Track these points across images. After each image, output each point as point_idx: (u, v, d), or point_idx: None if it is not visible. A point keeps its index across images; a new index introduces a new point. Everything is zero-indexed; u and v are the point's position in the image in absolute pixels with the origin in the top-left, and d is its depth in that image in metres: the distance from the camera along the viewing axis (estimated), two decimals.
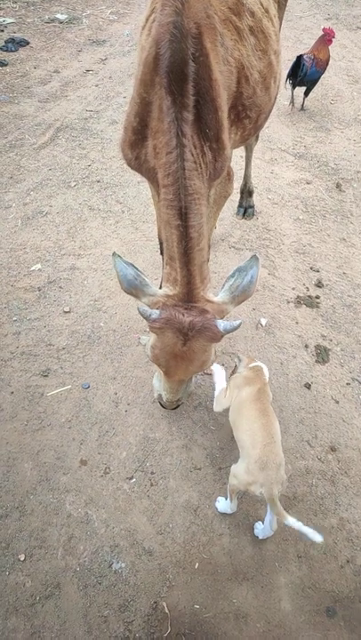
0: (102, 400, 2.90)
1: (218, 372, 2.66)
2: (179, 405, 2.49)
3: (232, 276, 2.10)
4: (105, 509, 2.45)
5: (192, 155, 1.99)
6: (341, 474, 2.62)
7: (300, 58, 5.15)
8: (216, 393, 2.57)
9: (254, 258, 2.07)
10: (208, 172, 2.11)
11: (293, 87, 5.38)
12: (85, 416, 2.82)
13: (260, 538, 2.35)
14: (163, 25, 1.89)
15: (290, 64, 5.21)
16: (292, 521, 2.02)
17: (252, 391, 2.33)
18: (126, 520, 2.42)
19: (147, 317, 2.06)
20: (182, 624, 2.12)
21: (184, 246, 2.02)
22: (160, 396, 2.43)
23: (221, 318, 2.08)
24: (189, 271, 2.05)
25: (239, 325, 2.07)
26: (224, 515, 2.42)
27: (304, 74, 5.16)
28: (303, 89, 5.47)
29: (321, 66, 5.21)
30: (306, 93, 5.49)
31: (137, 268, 2.16)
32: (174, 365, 2.13)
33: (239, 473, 2.15)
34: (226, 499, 2.39)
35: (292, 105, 5.58)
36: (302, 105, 5.60)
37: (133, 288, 2.10)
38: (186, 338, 2.02)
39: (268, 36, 2.55)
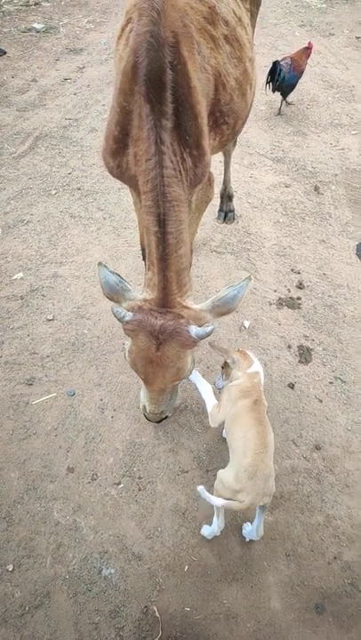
0: (88, 407, 2.90)
1: (204, 388, 2.59)
2: (163, 419, 2.47)
3: (223, 290, 2.13)
4: (93, 516, 2.45)
5: (171, 162, 2.01)
6: (327, 471, 2.66)
7: (276, 63, 5.26)
8: (208, 409, 2.51)
9: (248, 279, 2.10)
10: (188, 179, 2.14)
11: (274, 91, 5.51)
12: (71, 423, 2.82)
13: (247, 540, 2.37)
14: (140, 34, 1.92)
15: (268, 70, 5.31)
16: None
17: (248, 403, 2.31)
18: (115, 526, 2.42)
19: (120, 319, 2.08)
20: (173, 627, 2.12)
21: (161, 252, 2.04)
22: (144, 407, 2.41)
23: (199, 326, 2.09)
24: (166, 277, 2.06)
25: (212, 331, 2.07)
26: (212, 517, 2.43)
27: (282, 79, 5.28)
28: (279, 94, 5.57)
29: (298, 70, 5.37)
30: (284, 97, 5.60)
31: (121, 277, 2.19)
32: (151, 372, 2.13)
33: (227, 479, 2.12)
34: (210, 525, 2.33)
35: (286, 102, 5.72)
36: (280, 109, 5.69)
37: (114, 293, 2.12)
38: (158, 342, 2.03)
39: (242, 44, 2.60)
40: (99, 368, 3.10)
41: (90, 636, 2.09)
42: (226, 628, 2.14)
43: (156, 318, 2.03)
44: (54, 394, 2.95)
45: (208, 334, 2.07)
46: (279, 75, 5.26)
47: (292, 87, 5.49)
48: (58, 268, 3.75)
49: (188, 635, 2.11)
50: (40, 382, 3.01)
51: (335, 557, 2.36)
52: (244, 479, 2.06)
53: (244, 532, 2.39)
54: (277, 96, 5.70)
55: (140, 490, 2.55)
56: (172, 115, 1.97)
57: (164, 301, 2.09)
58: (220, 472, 2.21)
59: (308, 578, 2.29)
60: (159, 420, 2.44)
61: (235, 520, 2.44)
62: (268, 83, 5.38)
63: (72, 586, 2.22)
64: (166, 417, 2.47)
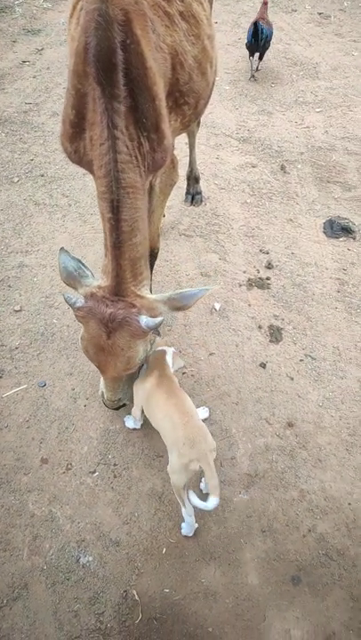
0: (60, 397, 2.87)
1: None
2: (121, 406, 2.49)
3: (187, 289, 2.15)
4: (69, 505, 2.44)
5: (126, 147, 1.96)
6: (300, 448, 2.70)
7: (256, 24, 5.38)
8: None
9: (210, 287, 2.18)
10: (146, 164, 2.08)
11: (261, 56, 5.72)
12: (44, 414, 2.78)
13: (205, 492, 2.40)
14: (88, 12, 1.85)
15: (250, 32, 5.47)
16: (212, 501, 2.05)
17: (153, 379, 2.34)
18: (91, 514, 2.42)
19: (71, 305, 2.07)
20: (153, 609, 2.15)
21: (114, 239, 2.01)
22: (102, 394, 2.42)
23: (153, 317, 2.07)
24: (119, 265, 2.04)
25: (161, 322, 2.07)
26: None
27: (266, 36, 5.46)
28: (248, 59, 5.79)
29: (271, 26, 5.64)
30: (261, 57, 5.76)
31: (83, 264, 2.16)
32: (103, 360, 2.13)
33: (175, 463, 2.15)
34: (184, 521, 2.35)
35: (253, 77, 5.86)
36: (257, 68, 5.85)
37: (72, 279, 2.10)
38: (108, 330, 2.02)
39: (199, 21, 2.53)
40: (69, 357, 3.06)
41: (70, 623, 2.10)
42: (205, 605, 2.17)
43: (107, 306, 2.01)
44: (25, 385, 2.91)
45: (158, 325, 2.07)
46: (263, 33, 5.40)
47: (269, 43, 5.71)
48: (24, 258, 3.66)
49: (167, 615, 2.13)
50: (10, 374, 2.96)
51: (310, 530, 2.41)
52: (187, 451, 2.10)
53: (201, 485, 2.45)
54: (244, 72, 5.69)
55: (115, 477, 2.55)
56: (125, 97, 1.90)
57: (117, 289, 2.07)
58: (168, 468, 2.22)
59: (284, 552, 2.34)
60: (117, 407, 2.46)
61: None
62: (250, 44, 5.52)
63: (50, 576, 2.22)
64: (124, 405, 2.49)
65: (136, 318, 2.03)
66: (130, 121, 1.93)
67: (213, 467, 2.10)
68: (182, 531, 2.34)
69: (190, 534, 2.34)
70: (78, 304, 2.06)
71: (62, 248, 2.13)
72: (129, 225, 2.01)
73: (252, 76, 5.83)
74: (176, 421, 2.17)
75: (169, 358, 2.45)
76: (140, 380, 2.41)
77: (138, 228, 2.06)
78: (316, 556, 2.33)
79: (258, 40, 5.46)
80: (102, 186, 1.97)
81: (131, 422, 2.67)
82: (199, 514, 2.42)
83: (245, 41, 5.63)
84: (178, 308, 2.14)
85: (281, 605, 2.18)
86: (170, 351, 2.49)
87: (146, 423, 2.75)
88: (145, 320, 2.03)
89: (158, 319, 2.06)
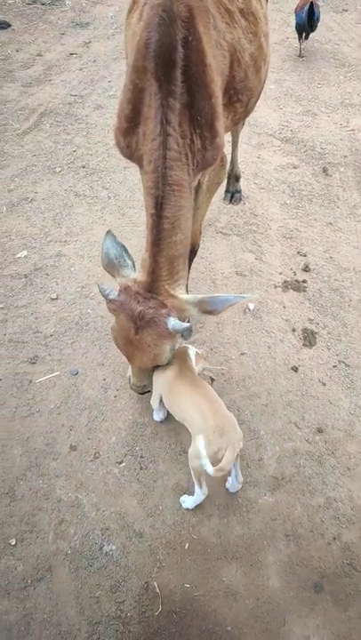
0: (91, 386, 2.90)
1: None
2: (147, 392, 2.54)
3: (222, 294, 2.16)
4: (95, 493, 2.47)
5: (177, 144, 1.96)
6: (328, 454, 2.66)
7: (312, 6, 5.52)
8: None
9: (248, 297, 2.23)
10: (195, 162, 2.08)
11: (306, 36, 5.94)
12: (74, 402, 2.83)
13: (232, 491, 2.44)
14: (153, 8, 1.86)
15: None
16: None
17: (175, 369, 2.35)
18: (117, 503, 2.44)
19: (105, 296, 2.10)
20: (173, 603, 2.16)
21: (155, 236, 2.02)
22: (129, 378, 2.49)
23: (182, 318, 2.07)
24: (156, 262, 2.05)
25: (189, 327, 2.08)
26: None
27: (317, 18, 5.67)
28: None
29: (318, 7, 5.81)
30: (306, 37, 5.98)
31: (127, 251, 2.18)
32: (131, 352, 2.17)
33: (201, 449, 2.14)
34: (192, 494, 2.38)
35: (302, 56, 6.14)
36: (301, 51, 6.10)
37: (111, 267, 2.13)
38: (136, 326, 2.04)
39: (258, 19, 2.52)
40: (102, 348, 3.09)
41: (91, 609, 2.13)
42: (225, 604, 2.17)
43: (138, 303, 2.04)
44: (57, 372, 2.95)
45: (185, 329, 2.07)
46: (315, 15, 5.61)
47: (317, 26, 5.90)
48: (62, 247, 3.72)
49: (187, 610, 2.14)
50: (43, 361, 3.01)
51: (335, 538, 2.37)
52: (217, 439, 2.11)
53: (227, 484, 2.45)
54: (289, 72, 5.75)
55: (141, 469, 2.56)
56: (182, 94, 1.90)
57: (152, 286, 2.08)
58: (190, 450, 2.22)
59: (308, 558, 2.31)
60: (142, 392, 2.53)
61: (235, 500, 2.46)
62: (301, 26, 5.72)
63: (74, 561, 2.25)
64: (149, 391, 2.53)
65: (164, 320, 2.04)
66: (184, 118, 1.94)
67: (237, 456, 2.14)
68: (184, 505, 2.39)
69: (191, 508, 2.38)
70: (111, 296, 2.09)
71: (109, 231, 2.15)
72: (170, 222, 2.02)
73: (301, 55, 6.07)
74: (205, 410, 2.18)
75: (192, 353, 2.47)
76: (162, 369, 2.42)
77: (179, 226, 2.06)
78: (340, 565, 2.29)
79: (311, 23, 5.62)
80: (149, 181, 1.99)
81: (160, 414, 2.69)
82: (223, 512, 2.42)
83: (295, 22, 5.82)
84: (209, 312, 2.13)
85: (302, 611, 2.16)
86: (193, 351, 2.50)
87: (171, 417, 2.77)
88: (172, 322, 2.04)
89: (185, 324, 2.07)
